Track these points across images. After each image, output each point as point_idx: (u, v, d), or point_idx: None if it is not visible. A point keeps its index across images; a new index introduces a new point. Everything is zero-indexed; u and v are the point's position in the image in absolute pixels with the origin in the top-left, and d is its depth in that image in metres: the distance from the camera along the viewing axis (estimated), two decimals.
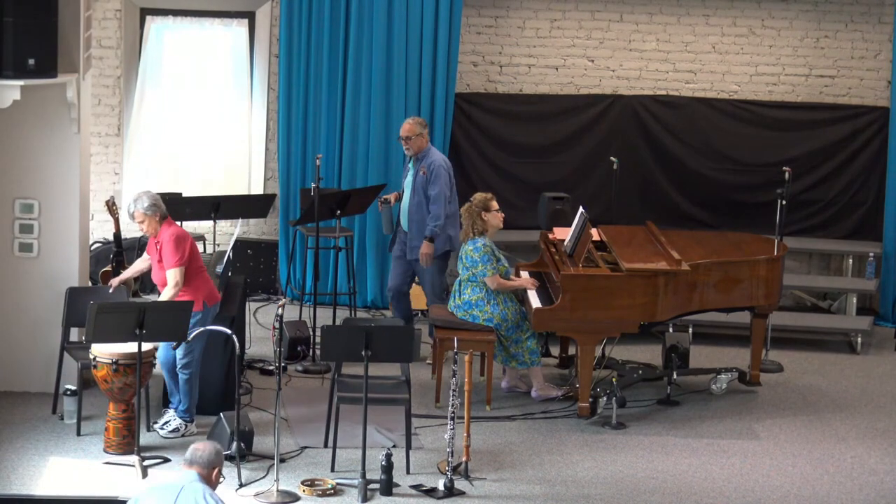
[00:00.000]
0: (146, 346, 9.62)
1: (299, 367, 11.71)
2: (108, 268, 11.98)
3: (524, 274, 11.61)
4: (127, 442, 9.69)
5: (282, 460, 9.51)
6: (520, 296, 11.34)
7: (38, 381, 10.65)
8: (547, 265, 11.46)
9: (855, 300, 13.61)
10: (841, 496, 9.61)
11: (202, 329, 9.60)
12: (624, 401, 10.81)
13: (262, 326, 12.77)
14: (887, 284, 13.76)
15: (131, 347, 9.56)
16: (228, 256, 11.08)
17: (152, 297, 12.91)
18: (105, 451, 9.77)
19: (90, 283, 11.57)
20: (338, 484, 9.35)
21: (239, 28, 13.83)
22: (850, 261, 13.90)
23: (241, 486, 9.29)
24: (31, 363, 10.72)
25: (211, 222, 12.41)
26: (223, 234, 13.50)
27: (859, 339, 12.99)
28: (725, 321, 12.50)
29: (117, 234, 11.92)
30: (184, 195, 12.94)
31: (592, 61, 14.04)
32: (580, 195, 13.09)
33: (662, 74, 14.05)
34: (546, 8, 13.94)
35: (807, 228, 14.05)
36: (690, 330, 12.63)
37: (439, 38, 13.39)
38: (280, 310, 9.17)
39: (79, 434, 10.04)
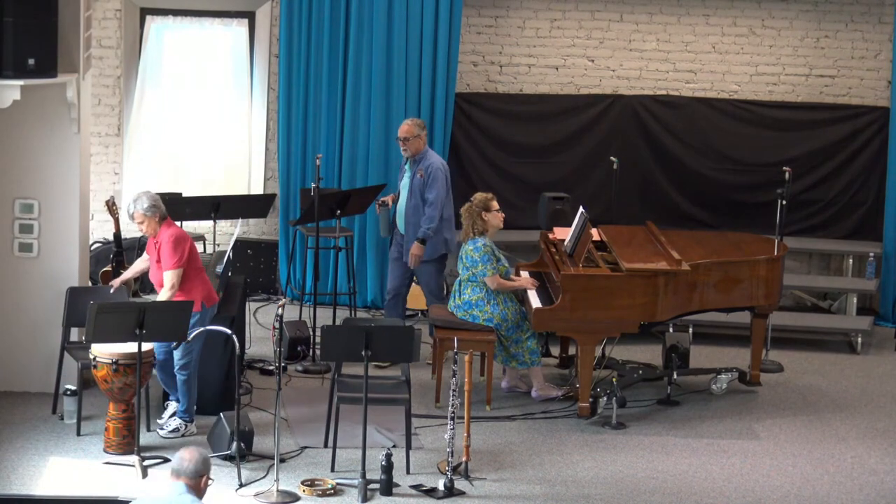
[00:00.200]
0: (146, 346, 9.62)
1: (299, 367, 11.71)
2: (108, 268, 11.98)
3: (524, 274, 11.60)
4: (127, 442, 9.69)
5: (282, 460, 9.51)
6: (520, 296, 11.34)
7: (38, 381, 10.65)
8: (547, 265, 11.46)
9: (855, 300, 13.61)
10: (841, 496, 9.61)
11: (202, 329, 9.59)
12: (624, 401, 10.81)
13: (262, 326, 12.77)
14: (887, 284, 13.76)
15: (131, 347, 9.56)
16: (228, 256, 11.08)
17: (152, 298, 12.92)
18: (105, 451, 9.77)
19: (90, 283, 11.57)
20: (338, 484, 9.35)
21: (239, 28, 13.83)
22: (850, 261, 13.90)
23: (241, 486, 9.29)
24: (31, 363, 10.72)
25: (211, 222, 12.42)
26: (223, 234, 13.50)
27: (859, 339, 12.99)
28: (725, 321, 12.50)
29: (117, 234, 11.92)
30: (184, 195, 12.94)
31: (592, 61, 14.04)
32: (580, 195, 13.09)
33: (662, 74, 14.05)
34: (546, 8, 13.94)
35: (807, 228, 14.05)
36: (690, 330, 12.63)
37: (439, 38, 13.40)
38: (280, 310, 9.17)
39: (79, 434, 10.04)
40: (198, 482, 6.87)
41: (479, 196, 11.21)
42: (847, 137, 14.02)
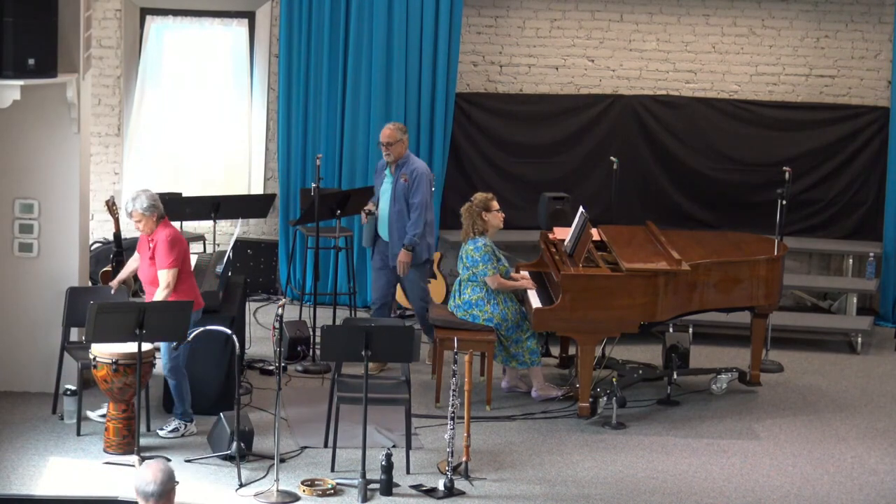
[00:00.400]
0: (146, 346, 9.62)
1: (299, 367, 11.71)
2: (108, 268, 11.98)
3: (524, 274, 11.59)
4: (127, 442, 9.69)
5: (282, 460, 9.51)
6: (520, 296, 11.34)
7: (38, 381, 10.65)
8: (547, 265, 11.45)
9: (855, 300, 13.61)
10: (841, 496, 9.61)
11: (201, 329, 9.59)
12: (624, 401, 10.81)
13: (262, 326, 12.77)
14: (887, 284, 13.76)
15: (131, 347, 9.56)
16: (228, 256, 11.08)
17: None
18: (105, 451, 9.77)
19: (90, 283, 11.57)
20: (338, 484, 9.35)
21: (239, 28, 13.83)
22: (850, 261, 13.90)
23: (241, 486, 9.29)
24: (31, 363, 10.72)
25: (211, 222, 12.42)
26: (223, 234, 13.50)
27: (859, 339, 12.99)
28: (725, 321, 12.50)
29: (117, 234, 11.92)
30: (184, 195, 12.94)
31: (592, 61, 14.04)
32: (580, 195, 13.09)
33: (662, 74, 14.06)
34: (546, 8, 13.94)
35: (807, 228, 14.05)
36: (690, 330, 12.63)
37: (439, 38, 13.40)
38: (280, 310, 9.17)
39: (79, 434, 10.04)
40: (166, 500, 6.56)
41: (479, 196, 11.21)
42: (847, 137, 14.03)
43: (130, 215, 9.97)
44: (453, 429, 9.41)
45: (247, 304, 11.98)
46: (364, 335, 9.25)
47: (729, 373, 11.55)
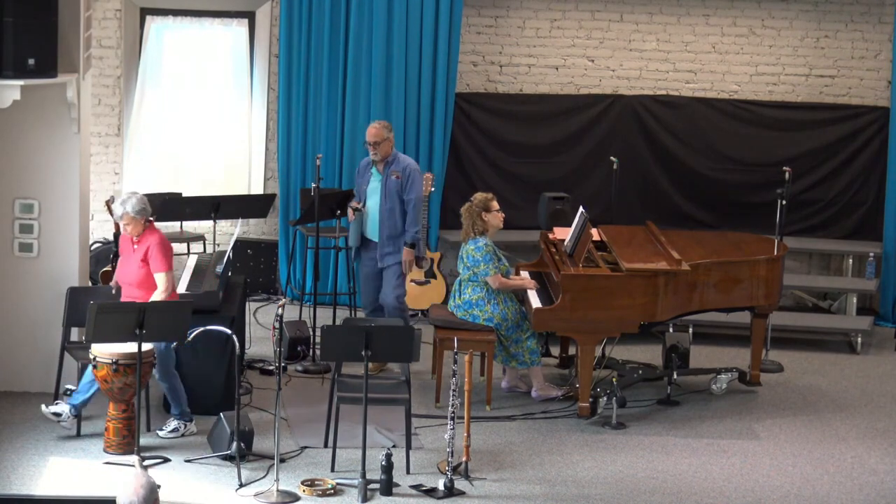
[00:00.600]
0: (146, 346, 9.61)
1: (299, 367, 11.71)
2: (108, 268, 11.97)
3: (524, 273, 11.60)
4: (127, 442, 9.69)
5: (282, 460, 9.50)
6: (520, 296, 11.34)
7: (38, 381, 10.65)
8: (547, 265, 11.45)
9: (855, 300, 13.61)
10: (841, 496, 9.61)
11: (202, 329, 9.58)
12: (624, 401, 10.81)
13: (262, 326, 12.77)
14: (887, 284, 13.76)
15: (131, 347, 9.56)
16: (228, 256, 11.08)
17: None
18: (105, 451, 9.76)
19: (90, 283, 11.57)
20: (338, 484, 9.35)
21: (239, 28, 13.83)
22: (850, 261, 13.90)
23: (241, 486, 9.29)
24: (31, 363, 10.72)
25: (211, 222, 12.42)
26: (223, 234, 13.50)
27: (859, 339, 12.99)
28: (725, 321, 12.50)
29: (117, 234, 11.89)
30: (184, 195, 12.95)
31: (592, 61, 14.04)
32: (580, 195, 13.09)
33: (662, 74, 14.06)
34: (546, 8, 13.94)
35: (807, 228, 14.05)
36: (690, 330, 12.63)
37: (439, 38, 13.40)
38: (280, 310, 9.16)
39: (79, 434, 10.03)
40: None
41: (479, 196, 11.21)
42: (847, 137, 14.03)
43: (120, 218, 9.96)
44: (453, 429, 9.41)
45: (247, 304, 11.98)
46: (364, 335, 9.25)
47: (729, 373, 11.55)
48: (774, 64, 14.07)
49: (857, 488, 9.75)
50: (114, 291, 10.39)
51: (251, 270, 13.73)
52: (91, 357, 9.77)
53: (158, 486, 6.46)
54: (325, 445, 9.93)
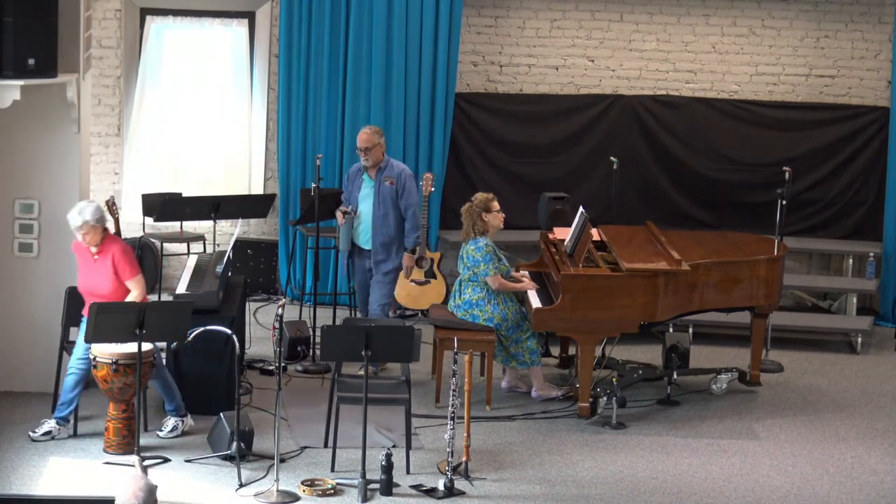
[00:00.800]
0: (146, 346, 9.61)
1: (299, 367, 11.71)
2: None
3: (524, 273, 11.58)
4: (127, 442, 9.69)
5: (282, 460, 9.50)
6: (520, 296, 11.34)
7: (38, 381, 10.65)
8: (547, 265, 11.45)
9: (855, 300, 13.61)
10: (841, 496, 9.61)
11: (202, 329, 9.58)
12: (624, 401, 10.81)
13: (262, 326, 12.77)
14: (887, 284, 13.76)
15: (131, 347, 9.56)
16: (228, 256, 11.07)
17: (152, 297, 12.91)
18: (105, 451, 9.76)
19: None
20: (338, 484, 9.35)
21: (239, 28, 13.83)
22: (850, 261, 13.90)
23: (241, 486, 9.29)
24: (31, 363, 10.72)
25: (211, 222, 12.42)
26: (223, 234, 13.50)
27: (859, 339, 12.99)
28: (725, 321, 12.50)
29: (117, 234, 11.91)
30: (184, 195, 12.95)
31: (592, 61, 14.04)
32: (580, 195, 13.09)
33: (662, 74, 14.06)
34: (546, 8, 13.94)
35: (807, 228, 14.05)
36: (690, 330, 12.63)
37: (439, 38, 13.40)
38: (280, 310, 9.17)
39: (76, 434, 10.03)
40: None
41: (479, 196, 11.20)
42: (847, 137, 14.03)
43: (79, 228, 9.76)
44: (453, 429, 9.41)
45: (247, 304, 11.98)
46: (364, 335, 9.25)
47: (729, 373, 11.55)
48: (774, 64, 14.07)
49: (857, 488, 9.75)
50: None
51: (251, 270, 13.73)
52: (91, 357, 9.77)
53: (156, 487, 6.47)
54: (325, 445, 9.93)
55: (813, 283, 13.94)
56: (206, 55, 13.88)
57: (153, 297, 12.93)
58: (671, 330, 12.27)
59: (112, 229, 11.84)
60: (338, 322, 11.73)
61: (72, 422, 10.03)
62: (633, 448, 10.30)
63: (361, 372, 9.64)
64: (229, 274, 11.30)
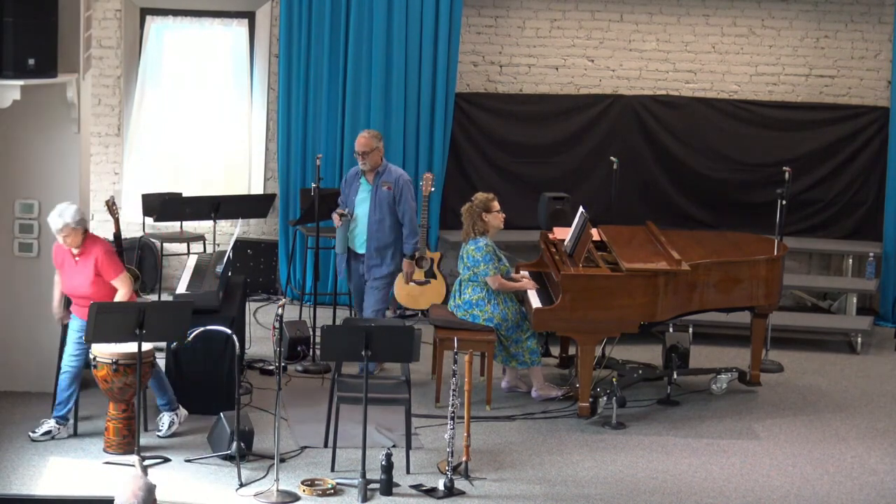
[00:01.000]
0: (146, 346, 9.61)
1: (299, 367, 11.71)
2: None
3: (524, 273, 11.59)
4: (127, 442, 9.69)
5: (282, 460, 9.51)
6: (520, 296, 11.34)
7: (38, 381, 10.65)
8: (547, 265, 11.45)
9: (855, 300, 13.61)
10: (841, 496, 9.61)
11: (202, 329, 9.58)
12: (624, 401, 10.81)
13: (262, 326, 12.77)
14: (887, 284, 13.76)
15: (131, 347, 9.56)
16: (228, 256, 11.07)
17: (152, 298, 12.93)
18: (105, 450, 9.77)
19: None
20: (338, 484, 9.35)
21: (239, 28, 13.83)
22: (850, 261, 13.90)
23: (241, 486, 9.29)
24: (31, 363, 10.72)
25: (211, 222, 12.42)
26: (223, 234, 13.51)
27: (859, 339, 12.99)
28: (725, 321, 12.50)
29: (117, 234, 11.91)
30: (184, 195, 12.95)
31: (592, 61, 14.04)
32: (580, 195, 13.09)
33: (662, 74, 14.06)
34: (546, 8, 13.94)
35: (807, 228, 14.05)
36: (690, 330, 12.62)
37: (439, 38, 13.40)
38: (280, 310, 9.17)
39: (76, 433, 10.03)
40: None
41: (480, 196, 11.20)
42: (847, 137, 14.03)
43: (60, 230, 9.69)
44: (453, 429, 9.41)
45: (247, 304, 11.98)
46: (364, 335, 9.25)
47: (729, 373, 11.55)
48: (774, 64, 14.07)
49: (857, 488, 9.75)
50: (64, 321, 10.14)
51: (251, 270, 13.73)
52: (91, 357, 9.77)
53: (155, 486, 6.47)
54: (325, 445, 9.93)
55: (813, 283, 13.94)
56: (206, 55, 13.88)
57: (153, 298, 12.95)
58: (671, 330, 12.27)
59: (113, 229, 11.88)
60: (338, 322, 11.74)
61: (72, 421, 10.04)
62: (633, 448, 10.30)
63: (359, 371, 9.64)
64: (229, 274, 11.29)
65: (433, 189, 13.01)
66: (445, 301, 12.44)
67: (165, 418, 10.12)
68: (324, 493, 9.24)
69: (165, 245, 13.35)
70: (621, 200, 13.12)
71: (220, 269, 10.97)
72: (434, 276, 13.00)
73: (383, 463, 9.27)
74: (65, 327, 10.39)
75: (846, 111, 14.03)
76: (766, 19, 14.00)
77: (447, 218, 13.60)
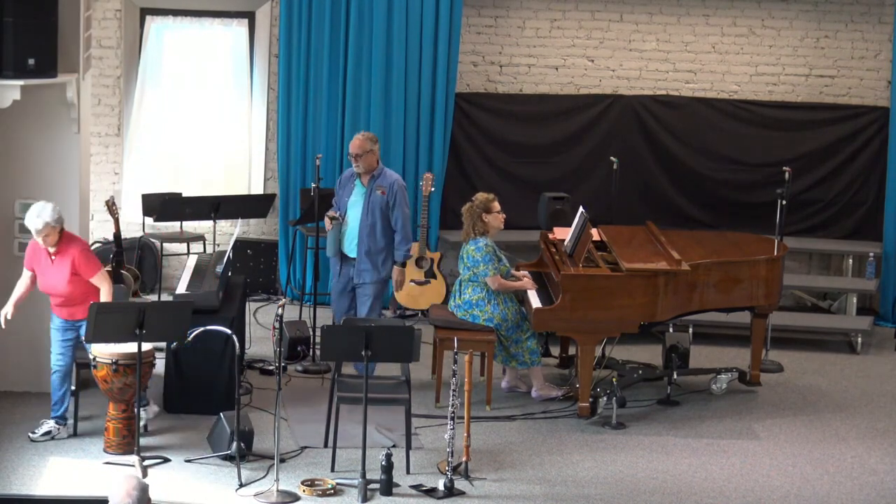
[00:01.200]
0: (146, 347, 9.61)
1: (299, 367, 11.71)
2: (108, 268, 11.95)
3: (524, 273, 11.58)
4: (127, 442, 9.69)
5: (282, 460, 9.51)
6: (520, 296, 11.34)
7: (38, 381, 10.64)
8: (547, 265, 11.45)
9: (855, 300, 13.61)
10: (841, 496, 9.61)
11: (202, 329, 9.58)
12: (624, 401, 10.81)
13: (262, 326, 12.77)
14: (887, 284, 13.76)
15: (131, 347, 9.56)
16: (228, 256, 11.07)
17: (152, 298, 12.93)
18: (105, 451, 9.77)
19: None
20: (338, 484, 9.35)
21: (239, 28, 13.83)
22: (850, 261, 13.90)
23: (241, 486, 9.29)
24: (30, 363, 10.72)
25: (211, 222, 12.42)
26: (223, 234, 13.50)
27: (859, 339, 12.99)
28: (725, 321, 12.50)
29: (117, 234, 11.91)
30: (184, 195, 12.95)
31: (592, 61, 14.04)
32: (580, 195, 13.09)
33: (662, 74, 14.06)
34: (546, 8, 13.94)
35: (807, 228, 14.05)
36: (690, 330, 12.62)
37: (439, 38, 13.40)
38: (280, 310, 9.17)
39: (76, 433, 10.03)
40: None
41: (480, 196, 11.19)
42: (847, 137, 14.03)
43: (40, 230, 9.62)
44: (453, 429, 9.41)
45: (247, 304, 11.98)
46: (364, 335, 9.25)
47: (729, 373, 11.55)
48: (774, 64, 14.07)
49: (857, 488, 9.75)
50: (10, 317, 10.05)
51: (251, 270, 13.73)
52: (91, 357, 9.77)
53: (148, 485, 6.48)
54: (325, 445, 9.93)
55: (813, 283, 13.94)
56: (206, 55, 13.88)
57: (153, 298, 12.95)
58: (671, 330, 12.27)
59: (113, 229, 11.88)
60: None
61: (71, 421, 10.04)
62: (633, 448, 10.30)
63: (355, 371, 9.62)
64: (229, 274, 11.29)
65: (433, 189, 13.01)
66: (445, 301, 12.45)
67: (142, 415, 9.99)
68: (324, 494, 9.24)
69: (165, 245, 13.35)
70: (621, 200, 13.12)
71: (220, 269, 10.97)
72: (434, 276, 13.00)
73: (383, 463, 9.27)
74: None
75: (846, 111, 14.03)
76: (766, 19, 14.01)
77: (447, 218, 13.60)
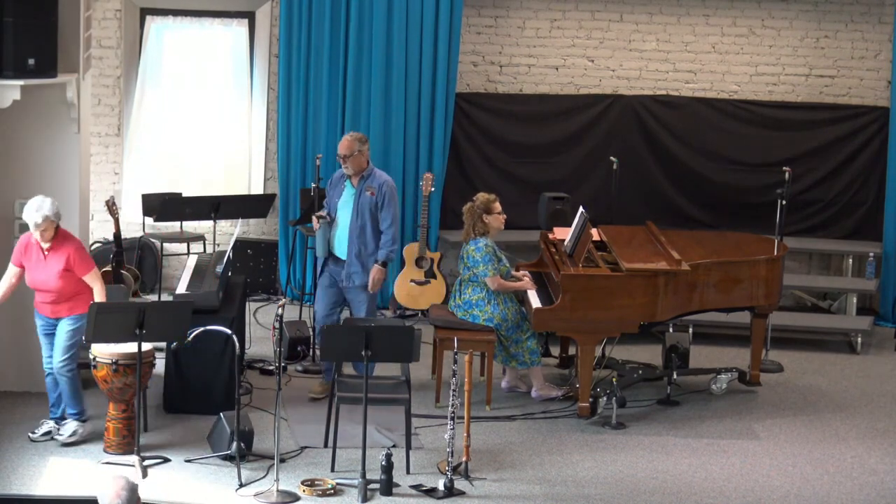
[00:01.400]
0: (146, 347, 9.61)
1: (299, 367, 11.71)
2: (108, 268, 11.96)
3: (524, 273, 11.58)
4: (127, 442, 9.69)
5: (282, 460, 9.51)
6: (520, 296, 11.34)
7: (38, 381, 10.63)
8: (547, 265, 11.45)
9: (855, 300, 13.61)
10: (841, 496, 9.61)
11: (202, 329, 9.58)
12: (624, 401, 10.81)
13: (262, 326, 12.77)
14: (887, 284, 13.76)
15: (131, 347, 9.56)
16: (228, 256, 11.07)
17: (152, 298, 12.93)
18: (105, 451, 9.76)
19: None
20: (338, 484, 9.35)
21: (239, 28, 13.83)
22: (850, 261, 13.90)
23: (241, 486, 9.29)
24: (31, 363, 10.71)
25: (211, 222, 12.42)
26: (223, 234, 13.50)
27: (859, 339, 12.99)
28: (725, 321, 12.50)
29: (117, 234, 11.92)
30: (184, 195, 12.95)
31: (592, 61, 14.04)
32: (580, 195, 13.09)
33: (662, 74, 14.06)
34: (546, 8, 13.94)
35: (807, 228, 14.05)
36: (690, 330, 12.62)
37: (439, 38, 13.40)
38: (280, 310, 9.17)
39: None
40: None
41: (482, 197, 11.19)
42: (847, 137, 14.03)
43: (39, 225, 9.60)
44: (453, 429, 9.41)
45: (247, 304, 11.98)
46: (364, 335, 9.25)
47: (729, 373, 11.55)
48: (774, 64, 14.07)
49: (857, 488, 9.75)
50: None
51: (251, 270, 13.73)
52: (91, 357, 9.77)
53: (137, 485, 6.48)
54: (325, 445, 9.93)
55: (813, 283, 13.94)
56: (206, 55, 13.88)
57: (153, 298, 12.95)
58: (671, 330, 12.27)
59: (113, 229, 11.88)
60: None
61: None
62: (633, 448, 10.30)
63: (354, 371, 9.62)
64: (229, 274, 11.29)
65: (433, 189, 13.01)
66: (445, 301, 12.45)
67: (71, 426, 9.90)
68: (324, 494, 9.24)
69: (165, 245, 13.35)
70: (621, 200, 13.12)
71: (220, 269, 10.97)
72: (434, 276, 13.00)
73: (383, 463, 9.27)
74: None
75: (846, 111, 14.03)
76: (766, 19, 14.01)
77: (447, 218, 13.61)
